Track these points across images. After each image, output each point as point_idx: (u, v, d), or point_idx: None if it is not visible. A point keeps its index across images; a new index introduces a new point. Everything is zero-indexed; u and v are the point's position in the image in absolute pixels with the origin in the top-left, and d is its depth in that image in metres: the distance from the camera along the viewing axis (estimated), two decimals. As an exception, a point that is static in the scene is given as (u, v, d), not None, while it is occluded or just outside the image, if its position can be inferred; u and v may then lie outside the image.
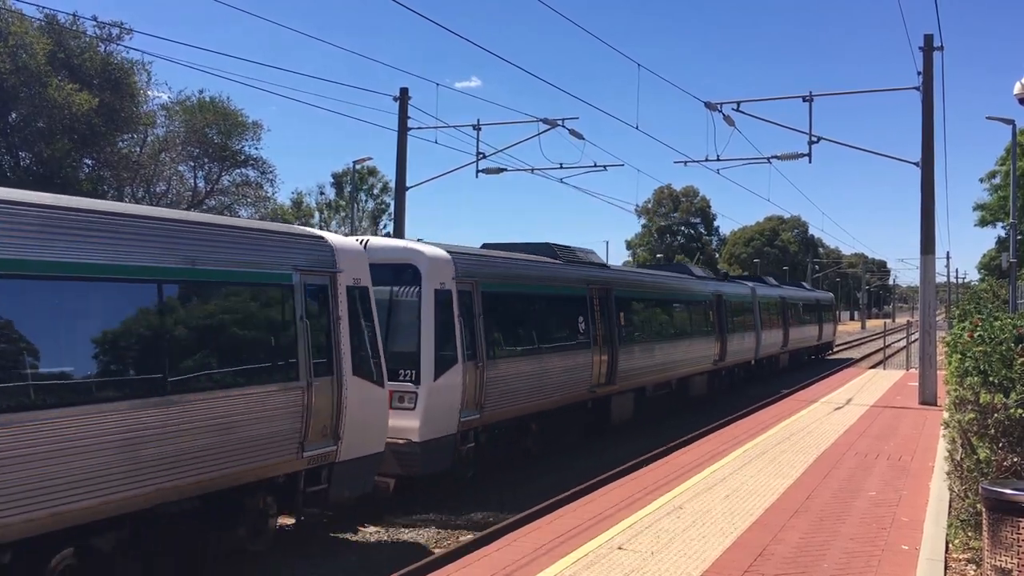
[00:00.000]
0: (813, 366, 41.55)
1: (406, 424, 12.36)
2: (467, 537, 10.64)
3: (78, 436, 7.45)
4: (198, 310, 8.94)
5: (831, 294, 58.63)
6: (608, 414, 18.99)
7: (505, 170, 28.91)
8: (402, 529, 11.83)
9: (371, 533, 11.61)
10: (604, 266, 21.04)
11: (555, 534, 9.34)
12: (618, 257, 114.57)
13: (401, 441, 12.23)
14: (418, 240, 15.07)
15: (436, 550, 10.54)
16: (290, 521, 11.01)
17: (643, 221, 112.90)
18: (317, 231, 11.62)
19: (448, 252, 13.94)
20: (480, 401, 13.77)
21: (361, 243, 12.66)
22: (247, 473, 9.28)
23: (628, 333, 19.98)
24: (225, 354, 9.20)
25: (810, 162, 24.59)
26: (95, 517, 7.70)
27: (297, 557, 10.39)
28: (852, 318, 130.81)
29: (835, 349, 52.38)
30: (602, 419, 18.86)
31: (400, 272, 13.09)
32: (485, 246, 17.66)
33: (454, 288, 13.47)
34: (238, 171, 26.17)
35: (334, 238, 11.39)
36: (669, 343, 22.62)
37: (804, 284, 51.88)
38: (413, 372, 12.68)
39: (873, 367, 37.20)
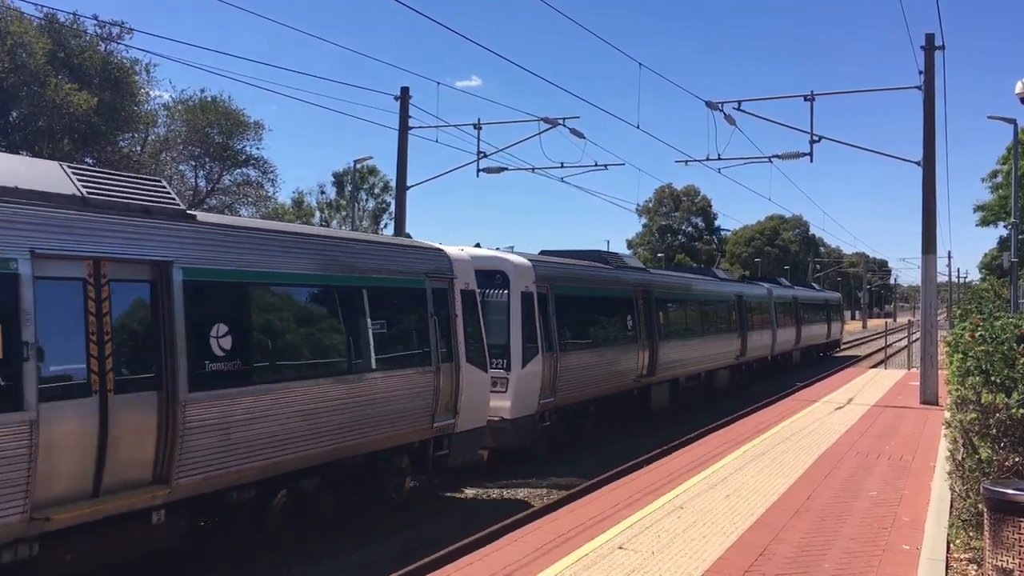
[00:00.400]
0: (823, 363, 43.24)
1: (499, 404, 14.86)
2: (554, 496, 13.24)
3: (304, 403, 10.20)
4: (377, 310, 11.76)
5: (839, 294, 60.95)
6: (649, 401, 21.33)
7: (506, 169, 28.90)
8: (496, 490, 14.50)
9: (472, 494, 14.33)
10: (645, 270, 23.68)
11: (556, 533, 9.33)
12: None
13: (495, 419, 14.67)
14: (507, 249, 17.49)
15: (535, 503, 13.27)
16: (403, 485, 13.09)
17: (644, 220, 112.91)
18: (437, 245, 14.25)
19: (529, 260, 16.62)
20: (554, 387, 16.31)
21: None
22: (397, 437, 12.02)
23: (666, 330, 22.41)
24: (388, 343, 11.99)
25: (811, 161, 24.54)
26: (310, 463, 10.49)
27: (421, 512, 12.84)
28: (853, 317, 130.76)
29: (842, 346, 55.13)
30: (644, 405, 21.19)
31: (491, 277, 15.57)
32: (544, 252, 19.71)
33: (535, 291, 16.07)
34: (239, 171, 26.22)
35: (450, 250, 14.18)
36: (699, 339, 25.10)
37: (814, 285, 55.25)
38: (505, 361, 15.20)
39: (874, 367, 37.21)
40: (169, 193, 9.69)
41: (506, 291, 15.65)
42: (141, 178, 9.77)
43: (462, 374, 13.25)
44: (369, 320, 11.54)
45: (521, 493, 14.37)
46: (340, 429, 10.76)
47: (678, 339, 23.22)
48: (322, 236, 11.73)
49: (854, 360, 44.24)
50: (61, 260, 7.84)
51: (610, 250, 21.28)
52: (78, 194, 8.29)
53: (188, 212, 9.83)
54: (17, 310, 7.36)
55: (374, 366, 11.53)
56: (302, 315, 10.82)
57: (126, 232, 8.50)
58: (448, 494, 14.19)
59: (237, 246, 9.83)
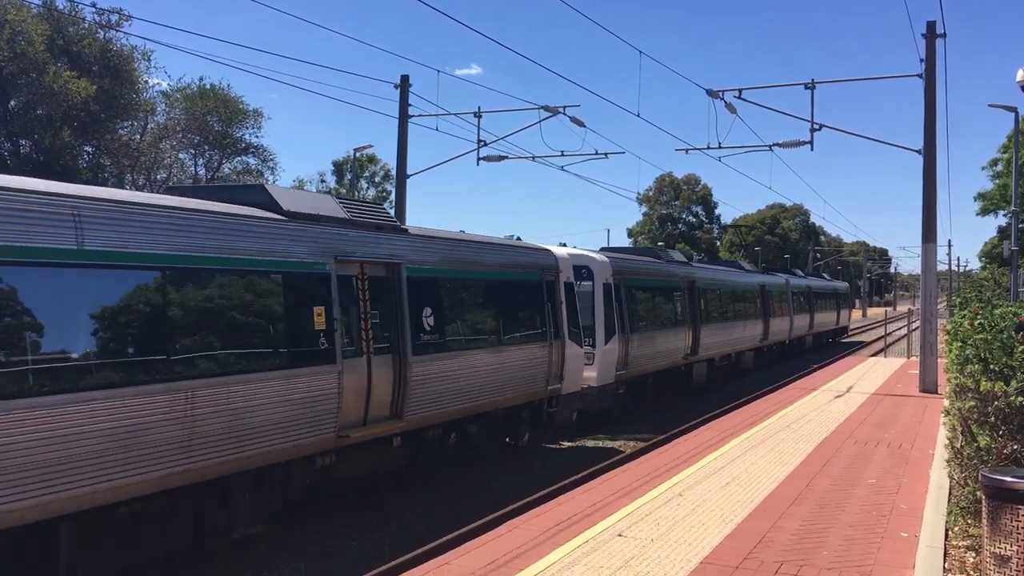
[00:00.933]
0: (831, 347, 46.65)
1: (587, 374, 18.07)
2: (631, 447, 16.64)
3: (474, 367, 13.44)
4: (514, 298, 15.09)
5: (847, 284, 65.68)
6: (691, 377, 24.95)
7: (506, 157, 28.87)
8: (585, 442, 18.13)
9: (567, 446, 17.81)
10: (689, 264, 27.63)
11: (555, 521, 9.36)
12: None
13: (584, 386, 17.79)
14: (587, 249, 20.39)
15: (624, 449, 16.71)
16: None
17: (644, 209, 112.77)
18: (546, 246, 17.68)
19: (607, 257, 20.21)
20: (625, 362, 19.77)
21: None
22: (524, 396, 15.22)
23: (706, 316, 25.90)
24: (522, 324, 15.27)
25: (812, 150, 24.56)
26: (474, 412, 13.66)
27: (529, 459, 15.93)
28: (854, 306, 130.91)
29: (849, 332, 59.05)
30: (687, 381, 24.86)
31: (579, 271, 18.56)
32: (603, 250, 22.34)
33: (612, 282, 19.46)
34: (239, 159, 26.20)
35: (556, 250, 17.93)
36: (731, 324, 28.93)
37: (824, 276, 60.47)
38: (591, 339, 18.46)
39: (874, 355, 37.28)
40: (389, 213, 13.52)
41: (591, 283, 18.98)
42: (372, 204, 13.64)
43: (565, 349, 16.45)
44: (510, 305, 15.03)
45: (609, 444, 17.97)
46: (492, 387, 14.06)
47: (715, 323, 26.89)
48: (482, 242, 15.15)
49: (859, 346, 47.11)
50: (346, 263, 11.03)
51: (660, 247, 25.36)
52: (346, 217, 11.47)
53: (403, 227, 13.06)
54: (329, 298, 10.53)
55: (513, 341, 14.80)
56: (472, 301, 14.16)
57: (375, 241, 11.74)
58: (547, 445, 17.54)
59: (436, 251, 13.14)
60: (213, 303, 9.16)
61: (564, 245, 21.91)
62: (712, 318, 26.72)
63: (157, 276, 8.47)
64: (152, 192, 24.96)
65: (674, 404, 22.97)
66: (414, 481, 13.52)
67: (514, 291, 15.22)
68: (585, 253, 19.87)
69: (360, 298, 11.29)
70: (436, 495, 13.17)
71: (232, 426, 9.10)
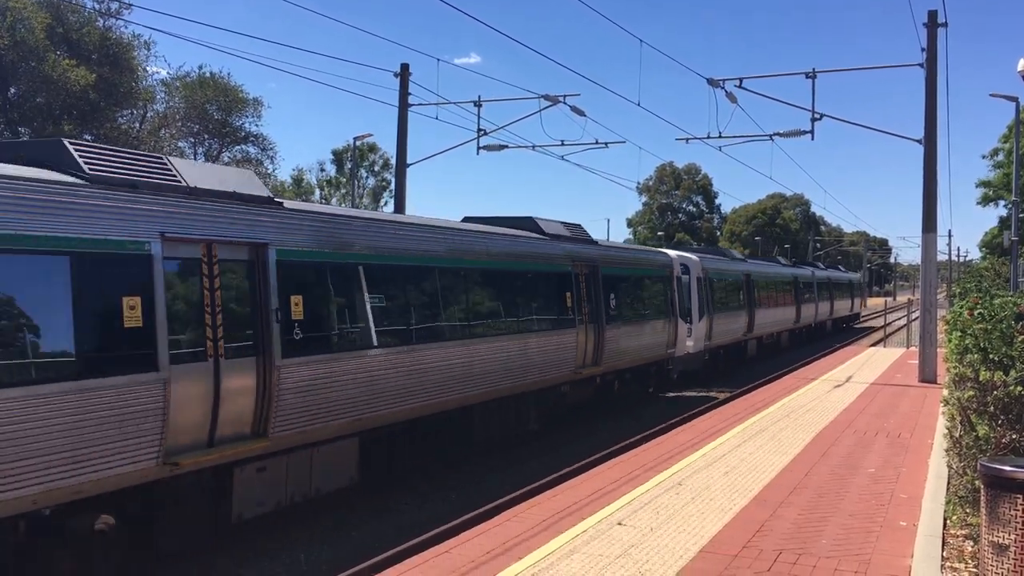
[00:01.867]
0: (846, 332, 52.76)
1: (688, 343, 24.29)
2: (723, 396, 21.83)
3: (638, 333, 20.14)
4: (650, 286, 21.70)
5: (860, 275, 76.05)
6: (746, 351, 32.25)
7: (506, 147, 28.83)
8: (684, 392, 24.45)
9: (673, 395, 23.95)
10: (745, 260, 35.89)
11: (555, 510, 9.39)
12: (618, 235, 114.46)
13: (685, 352, 24.02)
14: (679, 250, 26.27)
15: (720, 395, 22.72)
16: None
17: (644, 199, 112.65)
18: (665, 250, 26.16)
19: (698, 257, 26.84)
20: (710, 336, 26.39)
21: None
22: (654, 358, 21.57)
23: (759, 303, 32.92)
24: (657, 304, 21.87)
25: (812, 139, 24.55)
26: (633, 365, 20.27)
27: (642, 406, 21.37)
28: (867, 295, 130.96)
29: (862, 318, 66.58)
30: (744, 354, 31.94)
31: (683, 268, 25.02)
32: (692, 251, 30.06)
33: (703, 276, 26.09)
34: (238, 147, 26.10)
35: (669, 252, 25.47)
36: (774, 310, 35.86)
37: (841, 268, 68.62)
38: (690, 318, 24.70)
39: (874, 345, 37.32)
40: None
41: (689, 276, 25.27)
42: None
43: (678, 323, 23.04)
44: (653, 293, 21.87)
45: (703, 393, 24.44)
46: (642, 348, 20.56)
47: (762, 310, 33.54)
48: (636, 249, 22.71)
49: (869, 332, 52.57)
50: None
51: (725, 248, 35.58)
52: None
53: (586, 233, 20.54)
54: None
55: (655, 317, 21.61)
56: (630, 289, 20.81)
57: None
58: (661, 394, 23.64)
59: (614, 256, 20.53)
60: None
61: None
62: (760, 305, 33.40)
63: None
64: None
65: (735, 370, 29.14)
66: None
67: (654, 281, 22.14)
68: (685, 254, 26.83)
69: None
70: (599, 422, 18.75)
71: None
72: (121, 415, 7.96)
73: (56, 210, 7.73)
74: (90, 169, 8.36)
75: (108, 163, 8.65)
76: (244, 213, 9.65)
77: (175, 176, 9.17)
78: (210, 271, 9.01)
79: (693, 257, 26.29)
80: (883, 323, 50.68)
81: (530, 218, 17.66)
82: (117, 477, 7.98)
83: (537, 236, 16.99)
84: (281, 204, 10.55)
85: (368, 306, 11.41)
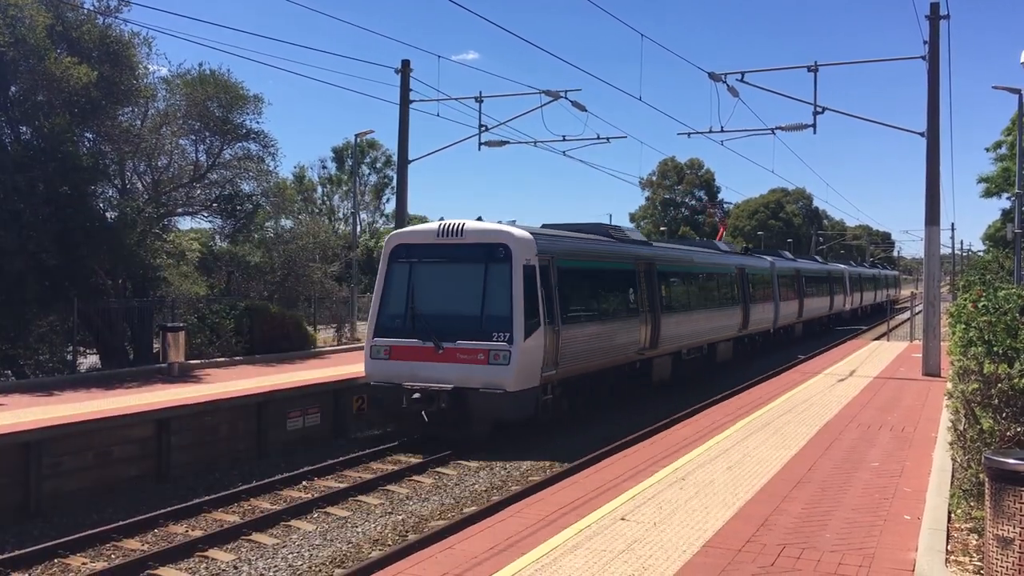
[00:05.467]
0: (872, 317, 62.45)
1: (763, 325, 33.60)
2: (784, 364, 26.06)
3: (716, 317, 27.61)
4: (730, 282, 30.43)
5: (895, 272, 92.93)
6: (794, 332, 40.56)
7: (508, 143, 28.78)
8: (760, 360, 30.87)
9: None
10: (795, 259, 44.62)
11: (557, 505, 9.37)
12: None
13: (767, 327, 35.49)
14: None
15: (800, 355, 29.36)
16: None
17: (647, 193, 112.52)
18: (764, 256, 39.72)
19: (776, 257, 39.27)
20: (777, 318, 35.76)
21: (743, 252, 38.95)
22: (729, 336, 28.79)
23: (806, 294, 41.59)
24: (732, 295, 29.73)
25: (815, 133, 24.53)
26: (718, 340, 28.01)
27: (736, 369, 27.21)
28: (900, 288, 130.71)
29: (898, 304, 78.09)
30: (792, 334, 40.15)
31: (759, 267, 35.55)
32: (769, 252, 43.20)
33: (777, 272, 36.23)
34: (240, 144, 25.99)
35: (766, 256, 38.07)
36: (817, 298, 44.74)
37: (876, 263, 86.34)
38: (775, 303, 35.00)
39: (877, 339, 37.28)
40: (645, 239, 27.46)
41: (769, 272, 35.18)
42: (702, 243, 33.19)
43: (749, 307, 30.62)
44: (729, 286, 29.38)
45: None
46: (719, 330, 27.06)
47: (808, 299, 42.03)
48: (727, 252, 33.36)
49: (902, 314, 62.37)
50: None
51: (764, 249, 49.43)
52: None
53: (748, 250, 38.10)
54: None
55: (732, 305, 28.97)
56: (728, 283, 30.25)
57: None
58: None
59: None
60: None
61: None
62: (809, 296, 42.57)
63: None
64: (153, 179, 24.87)
65: (790, 345, 38.16)
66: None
67: (743, 278, 31.18)
68: (764, 257, 36.97)
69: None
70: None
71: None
72: (629, 333, 20.05)
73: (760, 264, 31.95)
74: (752, 252, 34.96)
75: (616, 232, 22.34)
76: (641, 247, 22.75)
77: (623, 233, 22.70)
78: (643, 274, 21.44)
79: (769, 257, 37.66)
80: (900, 315, 60.67)
81: (601, 224, 22.58)
82: (627, 356, 20.22)
83: (607, 239, 21.48)
84: (795, 258, 38.40)
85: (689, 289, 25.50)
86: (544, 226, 19.84)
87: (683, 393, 22.04)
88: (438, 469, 14.85)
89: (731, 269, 30.12)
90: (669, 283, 23.53)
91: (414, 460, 15.23)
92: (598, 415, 19.40)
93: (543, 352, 16.13)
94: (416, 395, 15.72)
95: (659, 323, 21.70)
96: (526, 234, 16.59)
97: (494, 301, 15.99)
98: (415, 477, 14.29)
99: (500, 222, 17.26)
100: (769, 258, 37.59)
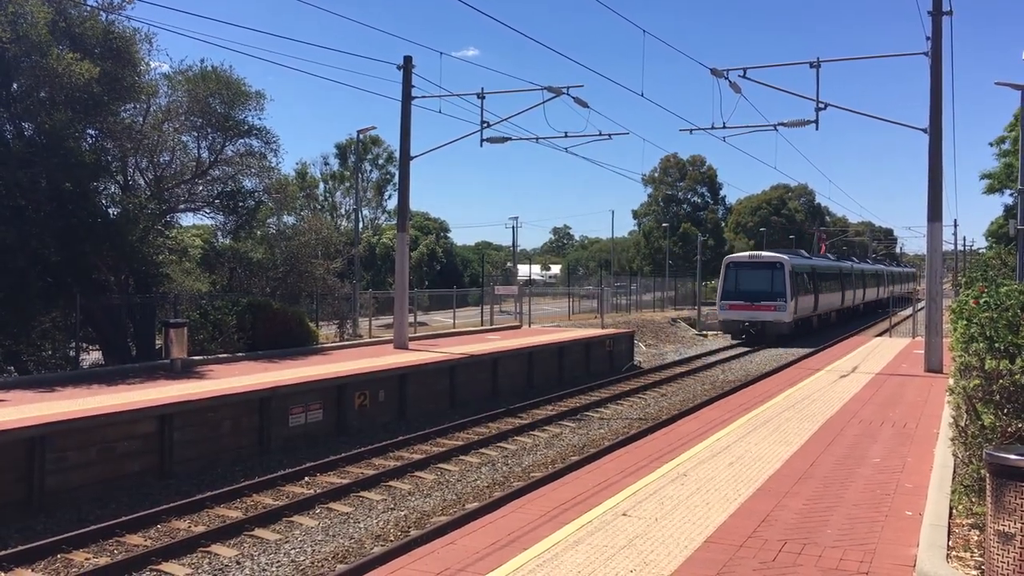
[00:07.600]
0: (898, 305, 71.26)
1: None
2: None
3: (854, 296, 63.31)
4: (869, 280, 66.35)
5: (913, 269, 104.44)
6: (860, 310, 61.01)
7: (509, 139, 28.75)
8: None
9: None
10: (862, 261, 68.23)
11: (559, 501, 9.39)
12: (623, 227, 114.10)
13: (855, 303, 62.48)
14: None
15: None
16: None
17: (649, 190, 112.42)
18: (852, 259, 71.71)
19: (855, 261, 66.09)
20: (814, 308, 48.14)
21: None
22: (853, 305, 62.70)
23: (860, 285, 60.12)
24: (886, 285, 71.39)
25: (817, 129, 24.63)
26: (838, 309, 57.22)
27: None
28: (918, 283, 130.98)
29: (918, 297, 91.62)
30: (856, 313, 61.21)
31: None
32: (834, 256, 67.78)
33: (859, 272, 63.38)
34: (242, 141, 25.99)
35: (859, 262, 71.02)
36: (874, 288, 65.30)
37: (907, 264, 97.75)
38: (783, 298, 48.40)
39: (879, 335, 37.30)
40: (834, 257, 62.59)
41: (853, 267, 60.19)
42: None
43: (863, 292, 62.87)
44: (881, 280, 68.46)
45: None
46: (851, 298, 57.92)
47: (864, 288, 58.72)
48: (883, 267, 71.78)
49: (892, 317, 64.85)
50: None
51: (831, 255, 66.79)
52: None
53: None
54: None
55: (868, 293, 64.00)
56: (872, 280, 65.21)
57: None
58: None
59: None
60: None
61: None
62: (867, 286, 60.98)
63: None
64: (155, 175, 24.88)
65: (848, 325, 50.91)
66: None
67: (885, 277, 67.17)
68: (844, 262, 57.27)
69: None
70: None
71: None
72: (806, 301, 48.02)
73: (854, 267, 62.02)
74: (843, 255, 69.04)
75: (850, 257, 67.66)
76: (874, 264, 69.73)
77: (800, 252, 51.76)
78: (858, 279, 58.29)
79: (847, 263, 56.47)
80: (905, 311, 67.87)
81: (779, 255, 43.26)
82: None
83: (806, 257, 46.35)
84: (876, 263, 72.86)
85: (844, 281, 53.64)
86: (728, 261, 43.71)
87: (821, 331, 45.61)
88: (440, 465, 14.90)
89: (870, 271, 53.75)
90: (825, 280, 49.16)
91: (416, 456, 15.27)
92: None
93: (795, 305, 40.80)
94: (745, 323, 40.37)
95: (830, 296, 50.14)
96: (787, 256, 41.99)
97: (776, 285, 40.49)
98: (417, 473, 14.34)
99: (775, 251, 44.35)
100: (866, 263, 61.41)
